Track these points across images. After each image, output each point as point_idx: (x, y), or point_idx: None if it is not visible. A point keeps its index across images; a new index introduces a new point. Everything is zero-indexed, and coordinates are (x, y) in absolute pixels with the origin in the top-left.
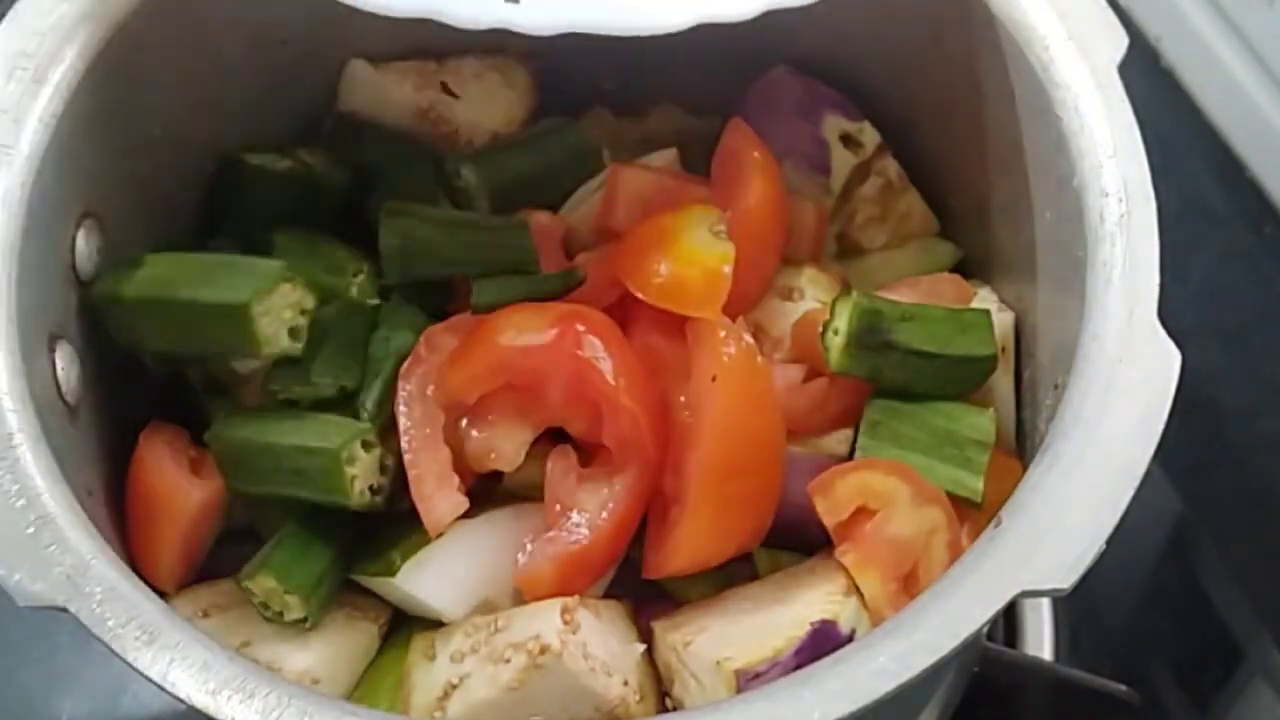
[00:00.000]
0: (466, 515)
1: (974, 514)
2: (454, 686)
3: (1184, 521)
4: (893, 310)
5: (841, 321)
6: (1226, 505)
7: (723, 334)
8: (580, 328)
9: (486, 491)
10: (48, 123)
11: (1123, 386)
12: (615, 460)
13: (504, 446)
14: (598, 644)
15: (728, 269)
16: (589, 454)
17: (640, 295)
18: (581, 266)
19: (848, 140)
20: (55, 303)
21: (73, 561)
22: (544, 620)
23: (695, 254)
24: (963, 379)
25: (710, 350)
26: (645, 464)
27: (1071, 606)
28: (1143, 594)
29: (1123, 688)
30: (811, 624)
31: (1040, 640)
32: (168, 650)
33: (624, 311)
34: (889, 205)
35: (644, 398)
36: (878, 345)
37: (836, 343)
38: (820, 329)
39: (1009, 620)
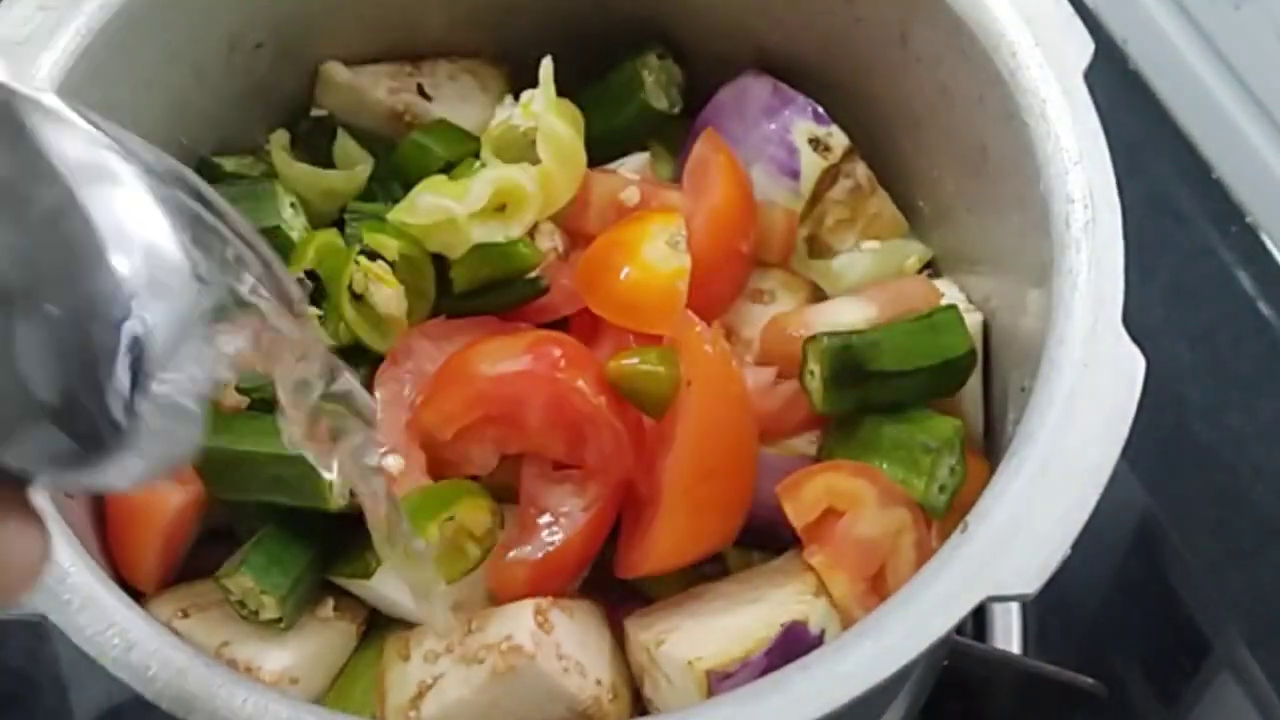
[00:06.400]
0: None
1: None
2: (428, 687)
3: (1150, 516)
4: (861, 340)
5: (815, 365)
6: (1192, 500)
7: (697, 334)
8: (555, 351)
9: None
10: None
11: (1088, 392)
12: (592, 469)
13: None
14: (571, 644)
15: (682, 284)
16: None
17: (599, 313)
18: (548, 275)
19: (817, 144)
20: None
21: (51, 570)
22: (517, 621)
23: (650, 270)
24: (947, 381)
25: (685, 355)
26: (622, 471)
27: (1040, 601)
28: (1110, 588)
29: (1090, 680)
30: (782, 625)
31: (1009, 633)
32: (146, 656)
33: (593, 319)
34: (858, 207)
35: (624, 413)
36: (857, 379)
37: (815, 386)
38: (799, 371)
39: (978, 614)
